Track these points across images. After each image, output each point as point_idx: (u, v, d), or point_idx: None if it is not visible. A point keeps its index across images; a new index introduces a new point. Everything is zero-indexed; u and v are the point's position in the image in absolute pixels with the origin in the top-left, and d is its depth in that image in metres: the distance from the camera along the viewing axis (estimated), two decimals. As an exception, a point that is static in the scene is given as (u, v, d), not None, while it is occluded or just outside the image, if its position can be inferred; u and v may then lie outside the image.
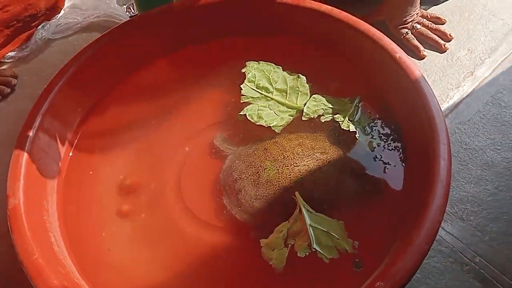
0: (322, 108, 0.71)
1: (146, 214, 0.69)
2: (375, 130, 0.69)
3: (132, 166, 0.73)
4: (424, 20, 0.90)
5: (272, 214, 0.64)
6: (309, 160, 0.66)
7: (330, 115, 0.70)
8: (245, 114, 0.70)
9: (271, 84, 0.74)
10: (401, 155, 0.66)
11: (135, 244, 0.66)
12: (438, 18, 0.92)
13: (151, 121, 0.78)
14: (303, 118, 0.70)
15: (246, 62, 0.75)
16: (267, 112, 0.70)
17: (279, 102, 0.72)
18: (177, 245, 0.66)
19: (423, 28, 0.89)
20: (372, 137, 0.68)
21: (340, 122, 0.68)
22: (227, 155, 0.72)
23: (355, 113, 0.70)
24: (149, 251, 0.66)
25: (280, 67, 0.75)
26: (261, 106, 0.71)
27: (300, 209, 0.61)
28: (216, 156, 0.72)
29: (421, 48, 0.86)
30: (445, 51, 0.87)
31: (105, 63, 0.78)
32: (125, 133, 0.77)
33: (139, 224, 0.68)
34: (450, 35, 0.89)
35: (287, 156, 0.66)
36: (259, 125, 0.69)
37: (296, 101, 0.72)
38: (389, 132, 0.68)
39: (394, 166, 0.65)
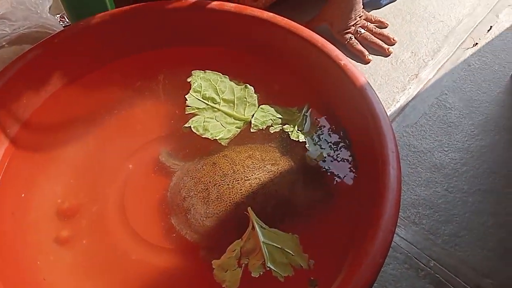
0: (271, 119, 0.68)
1: (88, 239, 0.63)
2: (324, 139, 0.67)
3: (71, 187, 0.68)
4: (369, 23, 0.90)
5: (224, 232, 0.61)
6: (260, 173, 0.63)
7: (279, 125, 0.68)
8: (190, 127, 0.66)
9: (218, 95, 0.71)
10: (351, 164, 0.65)
11: (76, 272, 0.61)
12: (381, 22, 0.93)
13: (89, 137, 0.72)
14: (251, 130, 0.68)
15: (192, 71, 0.71)
16: (213, 124, 0.67)
17: (226, 114, 0.69)
18: (123, 271, 0.61)
19: (367, 32, 0.89)
20: (321, 147, 0.66)
21: (289, 133, 0.66)
22: (174, 172, 0.68)
23: (304, 122, 0.68)
24: (92, 279, 0.61)
25: (227, 77, 0.72)
26: (207, 117, 0.68)
27: (253, 226, 0.58)
28: (162, 173, 0.68)
29: (366, 53, 0.86)
30: (389, 55, 0.88)
31: (37, 76, 0.72)
32: (62, 152, 0.71)
33: (80, 251, 0.63)
34: (393, 39, 0.89)
35: (237, 170, 0.63)
36: (205, 138, 0.66)
37: (244, 112, 0.69)
38: (338, 140, 0.67)
39: (345, 176, 0.64)
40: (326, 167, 0.65)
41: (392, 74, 0.85)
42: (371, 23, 0.91)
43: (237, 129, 0.68)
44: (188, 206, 0.62)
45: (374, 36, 0.89)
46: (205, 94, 0.70)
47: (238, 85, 0.72)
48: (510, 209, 0.67)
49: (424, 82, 0.84)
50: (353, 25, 0.88)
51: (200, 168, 0.65)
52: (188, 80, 0.70)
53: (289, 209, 0.62)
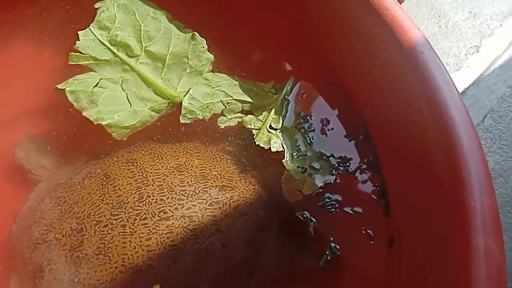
0: (222, 101, 0.36)
1: None
2: (321, 149, 0.35)
3: None
4: None
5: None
6: (195, 205, 0.31)
7: (236, 115, 0.36)
8: (65, 90, 0.34)
9: (140, 42, 0.38)
10: (377, 207, 0.33)
11: None
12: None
13: None
14: (181, 119, 0.35)
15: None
16: (110, 94, 0.34)
17: (143, 79, 0.36)
18: None
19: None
20: (313, 166, 0.34)
21: (253, 131, 0.34)
22: (38, 181, 0.36)
23: (284, 112, 0.36)
24: None
25: (165, 13, 0.39)
26: (107, 79, 0.36)
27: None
28: (18, 184, 0.36)
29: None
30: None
31: None
32: None
33: None
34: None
35: (149, 195, 0.31)
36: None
37: (177, 84, 0.36)
38: (349, 155, 0.35)
39: (361, 230, 0.32)
40: (325, 206, 0.33)
41: (441, 43, 0.54)
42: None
43: (152, 113, 0.35)
44: (41, 261, 0.30)
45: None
46: (116, 35, 0.37)
47: (182, 31, 0.39)
48: None
49: (491, 60, 0.52)
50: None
51: (79, 182, 0.33)
52: (96, 5, 0.37)
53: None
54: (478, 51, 0.54)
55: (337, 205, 0.32)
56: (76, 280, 0.30)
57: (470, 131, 0.26)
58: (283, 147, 0.34)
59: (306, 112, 0.36)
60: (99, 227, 0.30)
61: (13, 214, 0.34)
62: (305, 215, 0.32)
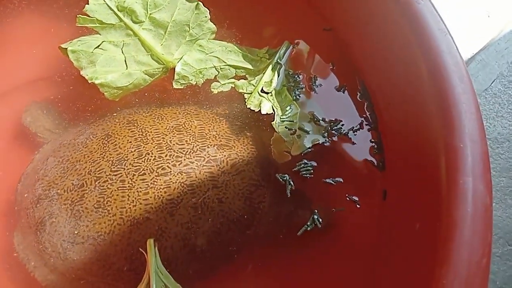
0: (215, 67, 0.36)
1: None
2: (313, 107, 0.35)
3: None
4: None
5: (104, 277, 0.30)
6: (193, 162, 0.32)
7: (230, 80, 0.36)
8: (67, 49, 0.35)
9: (145, 9, 0.38)
10: (371, 164, 0.33)
11: None
12: None
13: None
14: (174, 85, 0.36)
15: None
16: (109, 56, 0.35)
17: (144, 45, 0.37)
18: None
19: None
20: (303, 128, 0.34)
21: (245, 95, 0.35)
22: (44, 144, 0.37)
23: (275, 76, 0.36)
24: None
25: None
26: (109, 42, 0.36)
27: (149, 282, 0.27)
28: (24, 147, 0.37)
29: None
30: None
31: None
32: None
33: None
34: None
35: (148, 152, 0.32)
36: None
37: (175, 51, 0.37)
38: (345, 113, 0.35)
39: (356, 191, 0.32)
40: (318, 167, 0.33)
41: (442, 4, 0.52)
42: None
43: (146, 76, 0.36)
44: (43, 215, 0.32)
45: None
46: (124, 1, 0.38)
47: (188, 0, 0.39)
48: None
49: (502, 24, 0.51)
50: None
51: (82, 142, 0.34)
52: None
53: (240, 245, 0.32)
54: (488, 17, 0.52)
55: (312, 171, 0.32)
56: (76, 232, 0.31)
57: (463, 75, 0.25)
58: (273, 109, 0.34)
59: (297, 71, 0.36)
60: (99, 182, 0.31)
61: (19, 174, 0.35)
62: (285, 178, 0.32)
